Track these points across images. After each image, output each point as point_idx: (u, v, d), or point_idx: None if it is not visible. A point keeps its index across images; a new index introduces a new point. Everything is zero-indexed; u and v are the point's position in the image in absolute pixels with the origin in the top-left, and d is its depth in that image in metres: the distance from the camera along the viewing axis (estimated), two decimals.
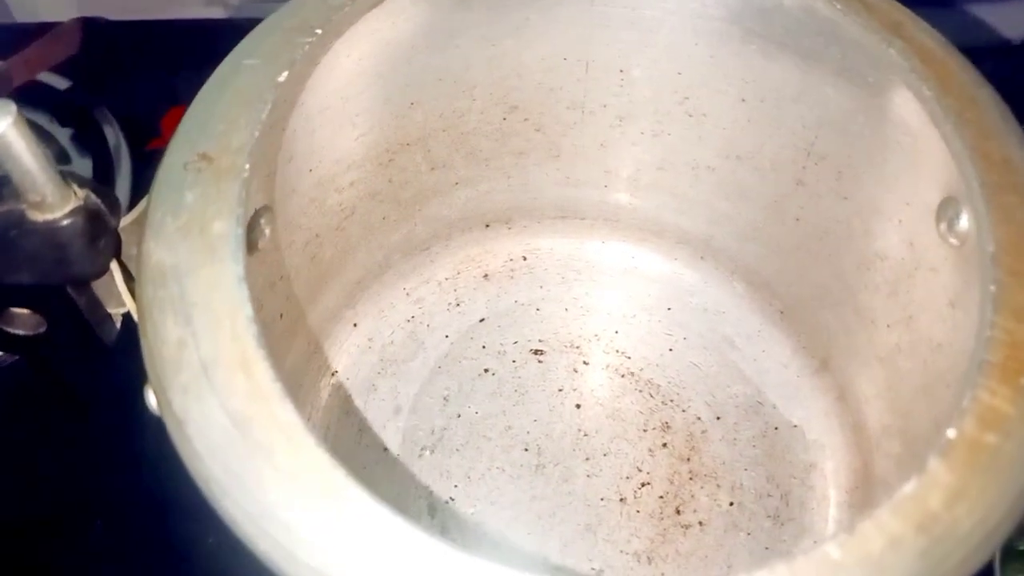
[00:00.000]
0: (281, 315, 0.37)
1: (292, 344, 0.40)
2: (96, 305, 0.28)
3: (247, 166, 0.25)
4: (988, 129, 0.26)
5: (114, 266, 0.27)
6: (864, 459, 0.39)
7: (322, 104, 0.34)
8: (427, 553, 0.20)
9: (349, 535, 0.19)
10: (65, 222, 0.25)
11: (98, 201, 0.26)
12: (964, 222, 0.30)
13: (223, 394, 0.21)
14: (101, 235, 0.26)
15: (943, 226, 0.31)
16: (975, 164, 0.25)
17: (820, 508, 0.40)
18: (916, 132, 0.30)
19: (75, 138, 0.58)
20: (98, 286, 0.28)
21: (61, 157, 0.57)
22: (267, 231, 0.33)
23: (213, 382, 0.21)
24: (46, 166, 0.25)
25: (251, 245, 0.32)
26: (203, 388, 0.21)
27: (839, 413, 0.41)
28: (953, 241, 0.31)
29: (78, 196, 0.26)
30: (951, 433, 0.21)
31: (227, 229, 0.24)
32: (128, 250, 0.27)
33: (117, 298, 0.28)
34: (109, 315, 0.29)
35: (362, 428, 0.41)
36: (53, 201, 0.25)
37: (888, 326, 0.36)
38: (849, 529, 0.20)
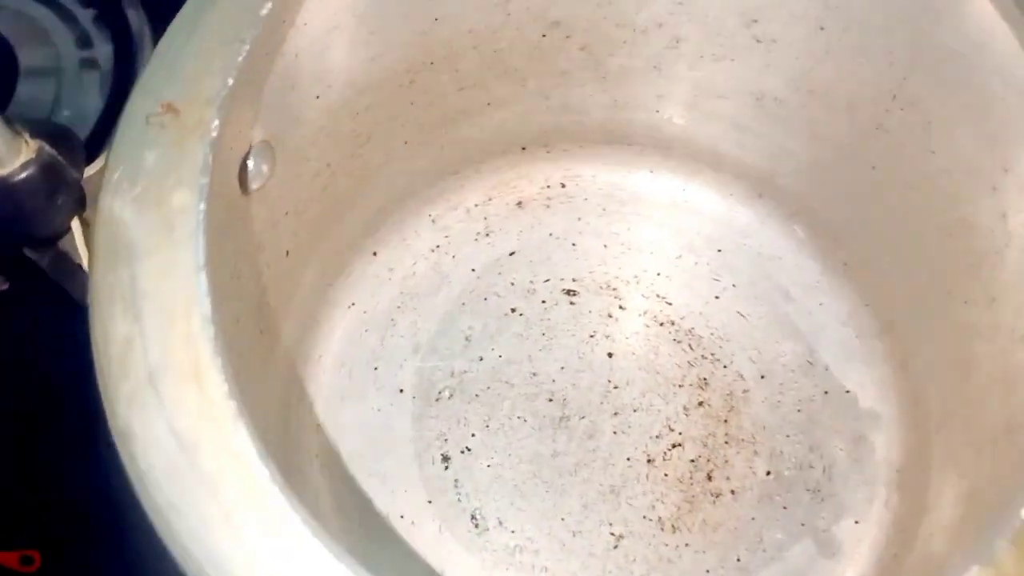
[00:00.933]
0: (287, 252, 0.34)
1: (302, 279, 0.37)
2: (63, 261, 0.25)
3: (216, 123, 0.21)
4: None
5: (75, 225, 0.24)
6: (920, 439, 0.36)
7: (330, 24, 0.29)
8: None
9: None
10: (17, 177, 0.22)
11: (53, 152, 0.23)
12: None
13: (171, 409, 0.18)
14: (59, 190, 0.23)
15: None
16: None
17: (865, 486, 0.37)
18: (1020, 89, 0.25)
19: (97, 20, 0.54)
20: (65, 238, 0.25)
21: (83, 41, 0.54)
22: (265, 168, 0.30)
23: (161, 394, 0.18)
24: None
25: (244, 186, 0.28)
26: (149, 400, 0.18)
27: (898, 383, 0.37)
28: None
29: (30, 147, 0.22)
30: None
31: (188, 203, 0.20)
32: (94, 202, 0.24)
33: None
34: (80, 268, 0.26)
35: (378, 367, 0.39)
36: (1, 154, 0.22)
37: (966, 302, 0.32)
38: None
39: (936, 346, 0.34)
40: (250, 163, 0.27)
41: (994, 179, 0.29)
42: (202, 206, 0.20)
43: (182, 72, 0.22)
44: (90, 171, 0.25)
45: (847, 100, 0.34)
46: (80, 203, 0.24)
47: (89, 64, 0.52)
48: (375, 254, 0.41)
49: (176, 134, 0.21)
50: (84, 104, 0.50)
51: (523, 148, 0.42)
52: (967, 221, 0.31)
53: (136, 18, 0.53)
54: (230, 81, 0.22)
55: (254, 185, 0.29)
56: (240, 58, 0.22)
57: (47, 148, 0.22)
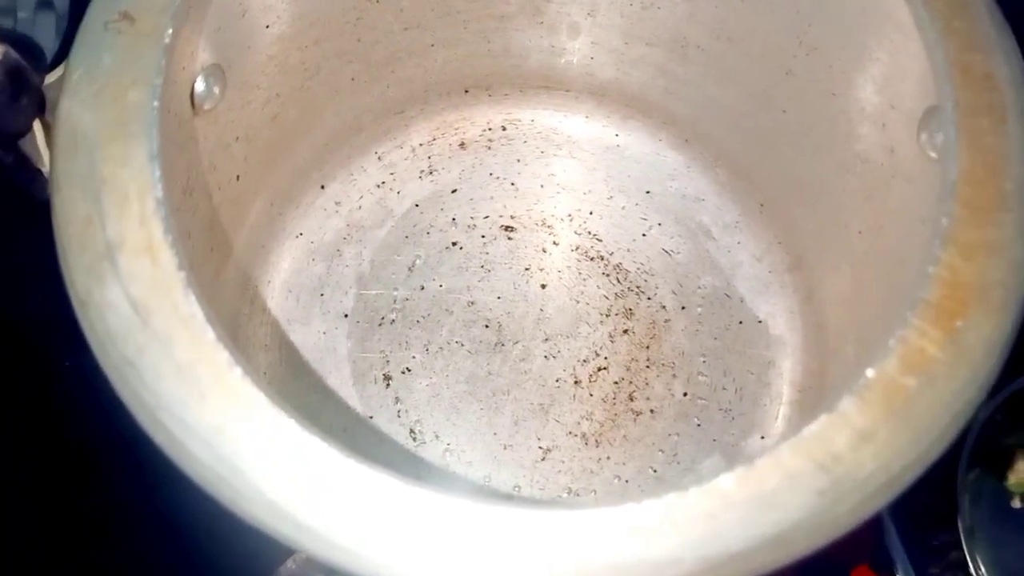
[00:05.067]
0: (238, 176, 0.36)
1: (253, 204, 0.39)
2: (24, 162, 0.27)
3: (170, 30, 0.23)
4: (975, 40, 0.24)
5: (37, 125, 0.26)
6: (821, 362, 0.39)
7: None
8: (321, 457, 0.20)
9: (242, 434, 0.19)
10: None
11: (18, 56, 0.24)
12: (943, 136, 0.28)
13: (126, 280, 0.20)
14: (23, 92, 0.25)
15: (924, 136, 0.29)
16: (952, 80, 0.23)
17: (772, 406, 0.40)
18: (906, 32, 0.28)
19: None
20: (26, 142, 0.27)
21: None
22: (216, 90, 0.31)
23: (117, 266, 0.21)
24: None
25: (196, 107, 0.30)
26: (106, 271, 0.21)
27: (804, 313, 0.40)
28: (932, 154, 0.29)
29: None
30: (870, 372, 0.21)
31: (143, 99, 0.22)
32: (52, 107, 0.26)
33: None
34: (40, 172, 0.28)
35: (324, 293, 0.41)
36: None
37: (860, 232, 0.35)
38: (748, 464, 0.20)
39: (835, 276, 0.38)
40: (201, 84, 0.29)
41: (883, 116, 0.32)
42: (156, 103, 0.22)
43: None
44: (49, 79, 0.26)
45: (760, 47, 0.36)
46: (41, 106, 0.26)
47: (45, 5, 0.53)
48: (323, 187, 0.43)
49: (132, 39, 0.23)
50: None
51: (466, 91, 0.44)
52: (861, 157, 0.34)
53: None
54: None
55: (205, 106, 0.31)
56: None
57: (12, 52, 0.24)
